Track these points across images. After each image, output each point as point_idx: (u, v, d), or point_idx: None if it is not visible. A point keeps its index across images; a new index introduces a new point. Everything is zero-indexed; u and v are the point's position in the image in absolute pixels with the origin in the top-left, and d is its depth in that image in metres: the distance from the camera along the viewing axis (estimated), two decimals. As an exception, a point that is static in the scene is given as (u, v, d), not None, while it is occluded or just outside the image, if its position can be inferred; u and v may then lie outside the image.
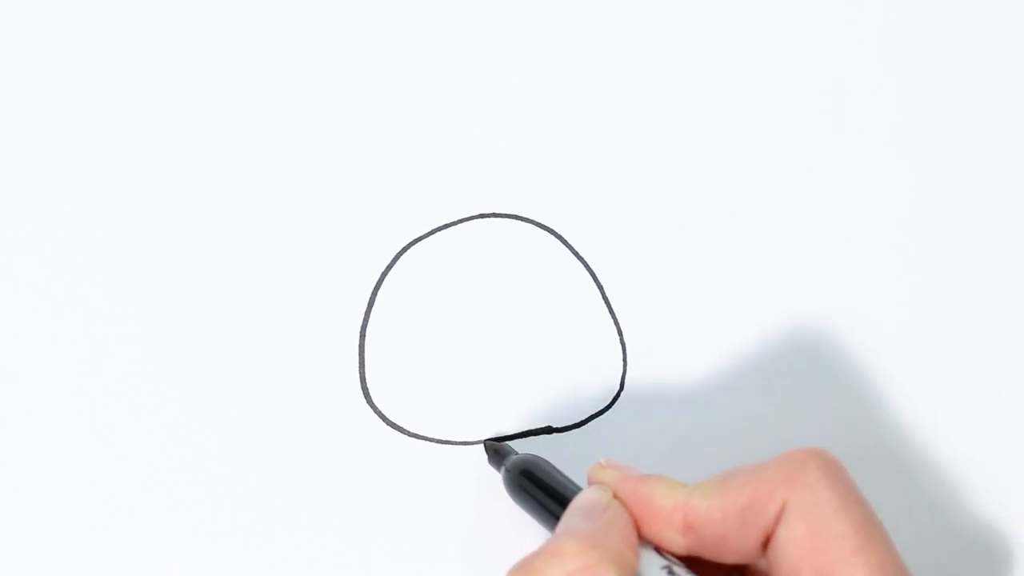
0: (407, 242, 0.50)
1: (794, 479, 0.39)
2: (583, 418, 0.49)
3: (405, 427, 0.49)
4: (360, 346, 0.49)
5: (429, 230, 0.50)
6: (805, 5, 0.53)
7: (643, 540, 0.41)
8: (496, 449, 0.48)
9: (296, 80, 0.50)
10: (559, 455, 0.49)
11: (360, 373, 0.49)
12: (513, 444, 0.49)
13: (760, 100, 0.52)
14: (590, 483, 0.43)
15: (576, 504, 0.42)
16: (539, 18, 0.52)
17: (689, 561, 0.41)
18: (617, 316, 0.50)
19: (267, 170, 0.50)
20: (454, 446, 0.49)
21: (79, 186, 0.49)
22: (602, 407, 0.50)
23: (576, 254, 0.50)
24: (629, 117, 0.51)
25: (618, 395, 0.50)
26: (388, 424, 0.49)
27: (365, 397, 0.49)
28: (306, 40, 0.50)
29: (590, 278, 0.50)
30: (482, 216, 0.50)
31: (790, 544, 0.39)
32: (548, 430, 0.49)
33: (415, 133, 0.50)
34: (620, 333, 0.50)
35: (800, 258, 0.51)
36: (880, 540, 0.38)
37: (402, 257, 0.50)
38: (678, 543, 0.41)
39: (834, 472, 0.40)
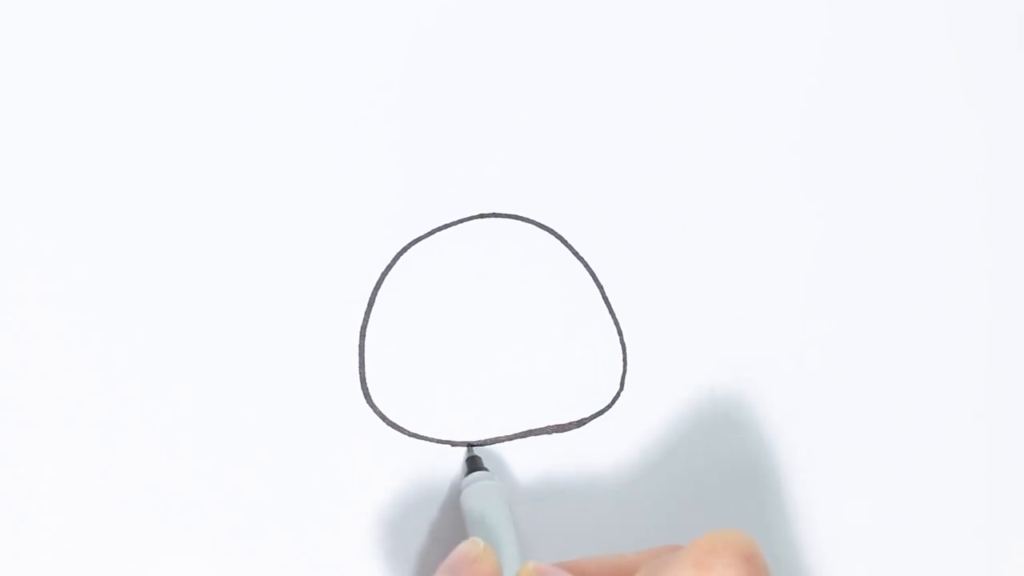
0: (407, 242, 0.50)
1: (704, 566, 0.40)
2: (583, 418, 0.50)
3: (405, 427, 0.49)
4: (360, 346, 0.49)
5: (429, 230, 0.50)
6: (814, 6, 0.53)
7: None
8: (474, 461, 0.48)
9: (296, 80, 0.50)
10: (559, 455, 0.49)
11: (360, 373, 0.49)
12: (514, 444, 0.49)
13: (762, 100, 0.52)
14: None
15: (446, 562, 0.43)
16: (540, 18, 0.52)
17: None
18: (617, 316, 0.50)
19: (267, 170, 0.50)
20: (454, 446, 0.49)
21: (79, 186, 0.49)
22: (602, 407, 0.50)
23: (576, 254, 0.50)
24: (630, 117, 0.51)
25: (618, 395, 0.50)
26: (388, 424, 0.49)
27: (365, 397, 0.49)
28: (306, 40, 0.50)
29: (590, 278, 0.50)
30: (482, 216, 0.50)
31: None
32: (548, 430, 0.49)
33: (416, 133, 0.50)
34: (620, 333, 0.50)
35: (801, 256, 0.51)
36: None
37: (402, 257, 0.50)
38: None
39: (746, 558, 0.40)
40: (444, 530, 0.48)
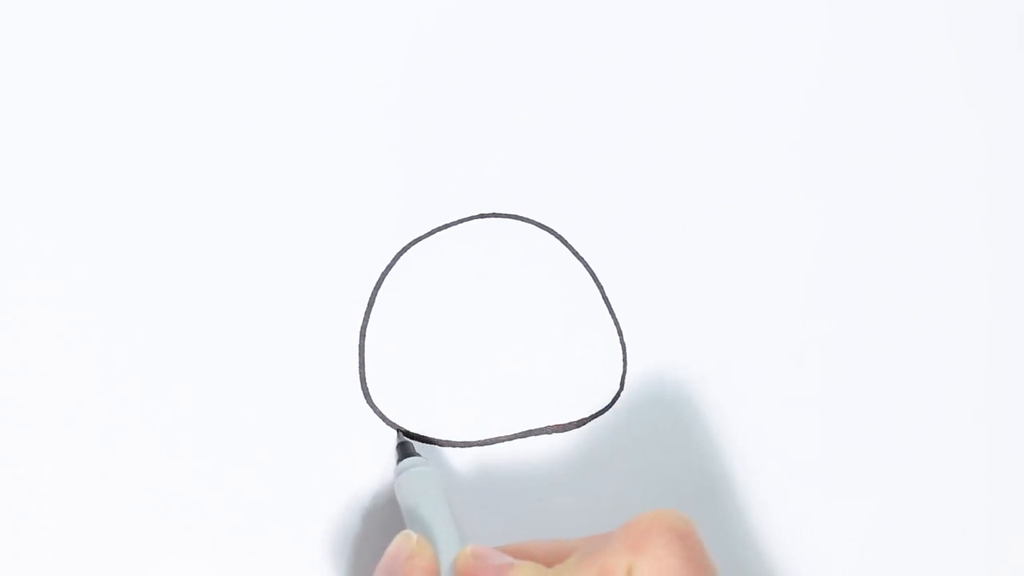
0: (407, 242, 0.50)
1: (639, 546, 0.40)
2: (583, 418, 0.49)
3: (405, 427, 0.49)
4: (360, 346, 0.49)
5: (429, 230, 0.50)
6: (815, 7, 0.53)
7: None
8: (405, 448, 0.48)
9: (296, 80, 0.50)
10: (559, 455, 0.49)
11: (360, 373, 0.49)
12: (514, 444, 0.49)
13: (762, 100, 0.52)
14: (455, 569, 0.43)
15: (381, 561, 0.43)
16: (540, 18, 0.52)
17: None
18: (617, 316, 0.50)
19: (267, 170, 0.50)
20: (453, 447, 0.49)
21: (79, 187, 0.49)
22: (602, 407, 0.50)
23: (576, 254, 0.50)
24: (630, 117, 0.51)
25: (618, 395, 0.50)
26: (388, 424, 0.49)
27: (365, 397, 0.49)
28: (306, 40, 0.50)
29: (590, 278, 0.50)
30: (482, 216, 0.50)
31: None
32: (548, 430, 0.49)
33: (416, 133, 0.50)
34: (620, 333, 0.50)
35: (801, 256, 0.51)
36: None
37: (402, 257, 0.50)
38: None
39: (680, 537, 0.40)
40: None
